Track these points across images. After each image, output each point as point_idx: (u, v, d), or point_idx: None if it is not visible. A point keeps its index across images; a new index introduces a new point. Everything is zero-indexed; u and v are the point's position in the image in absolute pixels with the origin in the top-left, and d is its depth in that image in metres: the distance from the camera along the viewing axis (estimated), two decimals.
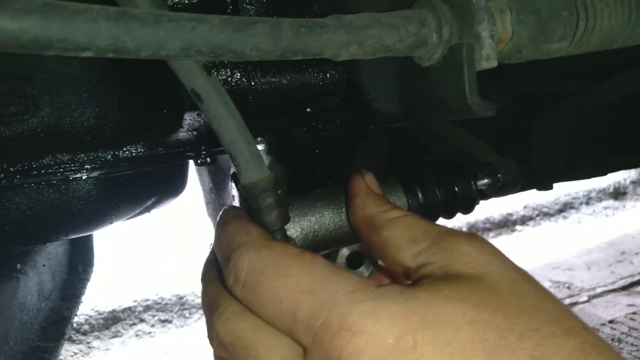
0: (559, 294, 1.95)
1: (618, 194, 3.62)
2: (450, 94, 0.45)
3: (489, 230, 3.28)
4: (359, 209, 0.46)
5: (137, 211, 0.74)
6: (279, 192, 0.47)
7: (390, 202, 0.46)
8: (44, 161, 0.57)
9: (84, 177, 0.60)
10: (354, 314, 0.33)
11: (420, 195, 0.57)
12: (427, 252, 0.39)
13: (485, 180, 0.68)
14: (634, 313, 1.69)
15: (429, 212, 0.60)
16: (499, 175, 0.70)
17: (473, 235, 0.40)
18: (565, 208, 3.49)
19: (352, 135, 0.65)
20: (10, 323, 0.77)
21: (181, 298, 2.78)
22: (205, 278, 0.45)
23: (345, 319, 0.33)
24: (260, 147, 0.47)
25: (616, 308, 1.75)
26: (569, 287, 2.00)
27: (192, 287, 2.81)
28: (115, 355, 2.48)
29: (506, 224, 3.32)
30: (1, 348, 0.72)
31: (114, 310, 2.66)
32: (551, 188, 1.01)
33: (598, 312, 1.73)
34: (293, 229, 0.53)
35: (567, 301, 1.87)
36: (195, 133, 0.58)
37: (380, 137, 0.74)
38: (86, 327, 2.58)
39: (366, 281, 0.36)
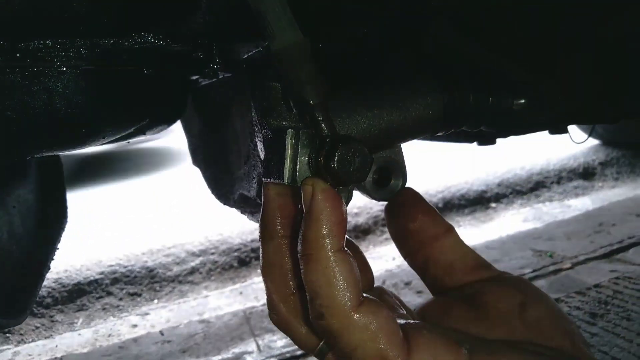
0: (542, 262, 1.96)
1: (587, 174, 3.71)
2: None
3: (464, 207, 3.30)
4: None
5: (130, 130, 0.65)
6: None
7: None
8: (31, 44, 0.47)
9: (77, 71, 0.51)
10: None
11: (456, 97, 0.52)
12: None
13: (522, 100, 0.62)
14: (617, 278, 1.71)
15: (460, 117, 0.56)
16: (537, 96, 0.66)
17: None
18: (537, 187, 3.55)
19: (395, 42, 0.58)
20: None
21: (151, 271, 2.67)
22: None
23: None
24: None
25: (600, 274, 1.77)
26: (551, 256, 2.01)
27: (161, 260, 2.70)
28: (80, 329, 2.35)
29: (481, 200, 3.36)
30: None
31: (79, 283, 2.52)
32: (566, 131, 0.97)
33: (583, 278, 1.75)
34: (343, 124, 0.46)
35: (551, 268, 1.88)
36: (213, 18, 0.50)
37: None
38: (49, 300, 2.43)
39: None
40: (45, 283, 2.47)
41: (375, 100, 0.51)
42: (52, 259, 0.84)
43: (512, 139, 0.89)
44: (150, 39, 0.51)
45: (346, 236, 0.54)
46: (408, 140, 0.56)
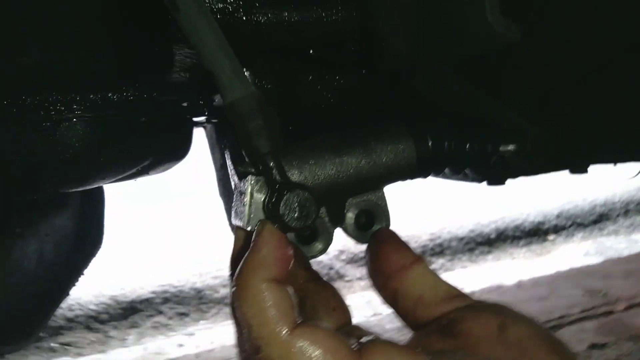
0: (592, 302, 1.83)
1: None
2: (467, 16, 0.39)
3: (519, 238, 3.14)
4: None
5: (133, 170, 0.70)
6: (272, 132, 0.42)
7: None
8: (30, 100, 0.53)
9: (73, 120, 0.56)
10: None
11: (430, 143, 0.52)
12: None
13: (510, 147, 0.61)
14: None
15: (436, 163, 0.55)
16: (525, 143, 0.64)
17: None
18: (601, 219, 3.33)
19: (367, 89, 0.59)
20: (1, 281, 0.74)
21: (199, 292, 2.76)
22: None
23: None
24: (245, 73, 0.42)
25: None
26: (604, 295, 1.87)
27: (210, 282, 2.79)
28: (131, 346, 2.46)
29: (537, 232, 3.18)
30: None
31: (132, 301, 2.65)
32: (586, 172, 0.92)
33: (637, 322, 1.61)
34: (290, 173, 0.48)
35: (602, 309, 1.74)
36: (187, 75, 0.53)
37: None
38: (105, 316, 2.58)
39: None
40: (101, 300, 2.63)
41: (344, 146, 0.52)
42: (75, 286, 0.90)
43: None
44: (135, 93, 0.55)
45: (321, 276, 0.55)
46: (382, 186, 0.56)
